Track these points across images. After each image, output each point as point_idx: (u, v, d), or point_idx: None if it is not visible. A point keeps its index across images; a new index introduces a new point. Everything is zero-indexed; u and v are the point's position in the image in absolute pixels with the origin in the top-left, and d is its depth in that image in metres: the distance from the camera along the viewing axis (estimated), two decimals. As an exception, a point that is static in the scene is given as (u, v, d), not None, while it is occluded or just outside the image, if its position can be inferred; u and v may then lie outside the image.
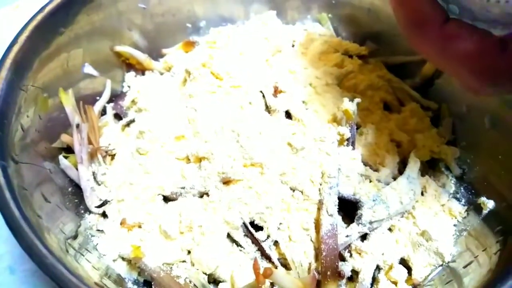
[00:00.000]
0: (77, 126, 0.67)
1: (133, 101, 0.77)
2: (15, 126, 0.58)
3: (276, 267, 0.59)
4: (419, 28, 0.42)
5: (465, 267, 0.59)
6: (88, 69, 0.77)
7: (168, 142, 0.66)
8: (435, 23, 0.41)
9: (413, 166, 0.67)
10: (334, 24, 0.90)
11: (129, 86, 0.81)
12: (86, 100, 0.74)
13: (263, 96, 0.70)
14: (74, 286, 0.45)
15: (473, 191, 0.69)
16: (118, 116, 0.78)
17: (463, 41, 0.39)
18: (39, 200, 0.57)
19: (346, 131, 0.65)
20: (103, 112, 0.78)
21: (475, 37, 0.39)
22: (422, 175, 0.70)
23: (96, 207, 0.65)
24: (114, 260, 0.61)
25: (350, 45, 0.83)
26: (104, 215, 0.65)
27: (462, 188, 0.70)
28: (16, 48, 0.62)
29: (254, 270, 0.47)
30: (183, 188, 0.63)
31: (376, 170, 0.68)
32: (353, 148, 0.67)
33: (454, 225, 0.66)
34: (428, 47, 0.43)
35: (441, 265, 0.62)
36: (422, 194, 0.68)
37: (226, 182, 0.60)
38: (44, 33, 0.66)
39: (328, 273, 0.57)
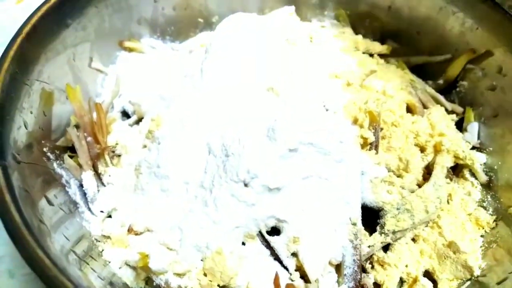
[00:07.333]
0: (77, 126, 0.64)
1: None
2: (17, 122, 0.54)
3: (293, 280, 0.55)
4: None
5: (499, 283, 0.54)
6: (96, 64, 0.73)
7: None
8: None
9: (440, 172, 0.63)
10: (352, 22, 0.85)
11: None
12: (93, 97, 0.71)
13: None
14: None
15: (501, 199, 0.65)
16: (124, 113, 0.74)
17: None
18: (42, 202, 0.53)
19: (370, 135, 0.61)
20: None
21: None
22: (447, 182, 0.65)
23: (101, 211, 0.61)
24: (119, 267, 0.57)
25: (372, 43, 0.79)
26: (109, 219, 0.61)
27: (489, 197, 0.66)
28: (20, 40, 0.58)
29: (275, 286, 0.43)
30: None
31: (399, 176, 0.64)
32: (377, 152, 0.63)
33: (481, 235, 0.62)
34: None
35: (470, 279, 0.58)
36: (447, 202, 0.64)
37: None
38: (51, 24, 0.63)
39: (351, 286, 0.53)
